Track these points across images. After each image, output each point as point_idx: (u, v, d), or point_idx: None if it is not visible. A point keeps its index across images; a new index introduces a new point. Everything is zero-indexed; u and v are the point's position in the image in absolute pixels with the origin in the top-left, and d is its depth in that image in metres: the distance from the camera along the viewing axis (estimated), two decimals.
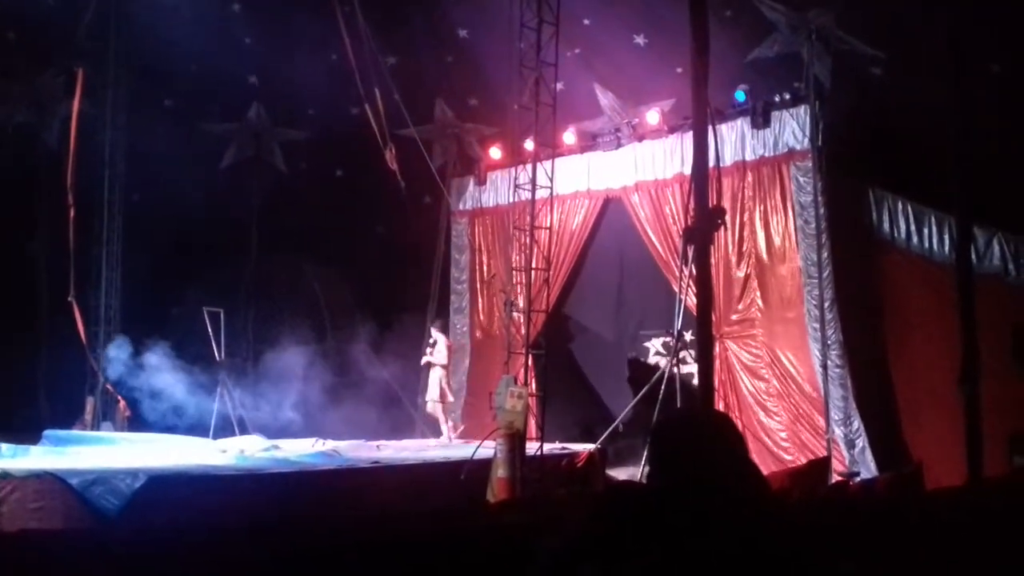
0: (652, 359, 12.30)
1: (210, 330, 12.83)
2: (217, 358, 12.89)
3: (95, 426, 12.28)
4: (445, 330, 13.28)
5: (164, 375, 12.09)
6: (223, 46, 14.06)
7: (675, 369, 11.20)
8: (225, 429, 12.44)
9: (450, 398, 12.85)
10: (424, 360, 12.71)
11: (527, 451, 9.52)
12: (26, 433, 10.59)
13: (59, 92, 13.67)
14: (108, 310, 13.46)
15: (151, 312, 13.01)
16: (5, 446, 9.38)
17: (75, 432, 11.50)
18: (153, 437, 11.32)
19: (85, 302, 12.58)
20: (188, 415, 12.29)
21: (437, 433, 12.78)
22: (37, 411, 12.67)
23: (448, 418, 12.82)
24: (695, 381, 10.75)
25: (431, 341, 12.73)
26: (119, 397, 12.26)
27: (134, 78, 13.86)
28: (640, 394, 11.84)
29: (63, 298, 11.91)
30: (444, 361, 12.67)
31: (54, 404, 12.81)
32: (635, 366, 12.77)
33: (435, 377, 12.60)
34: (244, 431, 12.35)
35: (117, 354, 12.44)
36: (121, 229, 13.78)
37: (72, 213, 11.91)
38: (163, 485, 8.02)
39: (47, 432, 10.77)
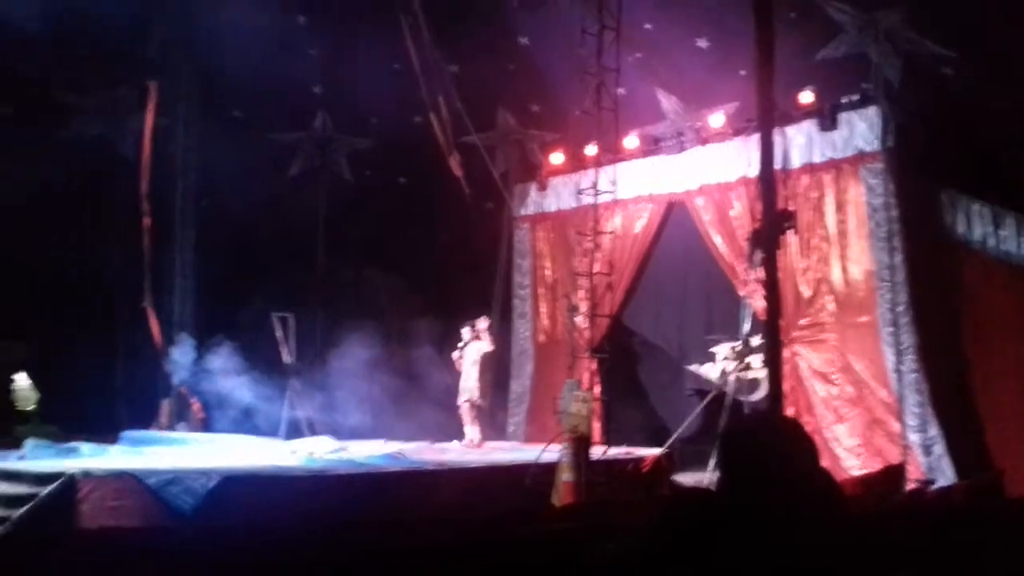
0: (719, 364, 12.15)
1: (279, 335, 13.09)
2: (286, 362, 13.13)
3: (170, 427, 12.62)
4: (489, 330, 12.90)
5: (235, 379, 12.37)
6: (289, 57, 14.40)
7: (742, 375, 11.07)
8: (295, 431, 12.67)
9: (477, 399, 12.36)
10: (456, 356, 12.46)
11: (592, 455, 9.49)
12: (105, 434, 10.94)
13: (133, 105, 14.12)
14: (181, 316, 13.84)
15: (222, 317, 13.32)
16: (85, 446, 9.70)
17: (151, 433, 11.83)
18: (225, 438, 11.58)
19: (159, 308, 12.94)
20: (259, 417, 12.56)
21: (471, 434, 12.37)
22: (115, 413, 13.08)
23: (475, 420, 12.41)
24: (756, 394, 10.67)
25: (462, 343, 12.41)
26: (193, 400, 12.58)
27: (204, 90, 14.25)
28: (704, 403, 11.70)
29: (139, 304, 12.28)
30: (475, 357, 12.30)
31: (131, 406, 13.20)
32: (698, 373, 12.66)
33: (468, 375, 12.33)
34: (313, 433, 12.56)
35: (180, 356, 12.76)
36: (193, 237, 14.16)
37: (146, 222, 12.28)
38: (236, 485, 8.20)
39: (125, 433, 11.11)
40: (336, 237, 15.63)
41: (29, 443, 9.39)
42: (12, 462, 8.89)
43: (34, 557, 6.77)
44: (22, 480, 8.09)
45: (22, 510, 7.57)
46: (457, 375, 12.41)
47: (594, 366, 11.50)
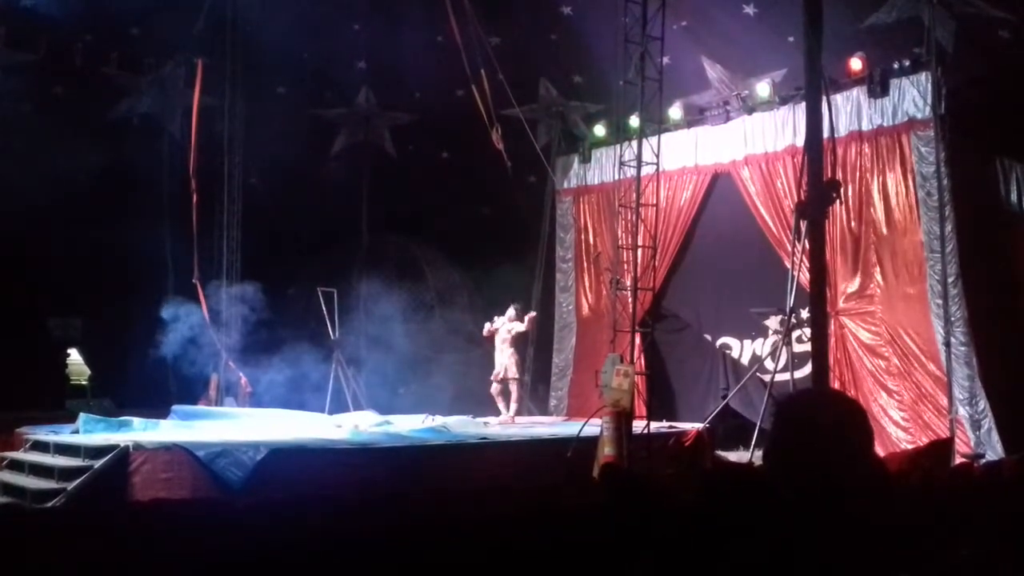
0: (770, 338, 12.03)
1: (324, 309, 13.24)
2: (331, 336, 13.29)
3: (219, 402, 12.86)
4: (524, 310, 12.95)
5: (281, 353, 12.56)
6: (333, 33, 14.43)
7: (788, 347, 10.94)
8: (340, 405, 12.83)
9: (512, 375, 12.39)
10: (485, 329, 12.47)
11: (634, 430, 9.48)
12: (156, 408, 11.20)
13: (180, 83, 14.30)
14: (228, 291, 14.05)
15: (268, 293, 13.49)
16: (137, 420, 9.95)
17: (201, 407, 12.07)
18: (272, 412, 11.77)
19: (208, 283, 13.15)
20: (305, 391, 12.74)
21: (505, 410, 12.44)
22: (166, 387, 13.36)
23: (516, 396, 12.42)
24: (804, 368, 10.50)
25: (494, 318, 12.49)
26: (241, 374, 12.80)
27: (249, 68, 14.35)
28: (742, 382, 11.59)
29: (188, 280, 12.51)
30: (505, 336, 12.32)
31: (181, 381, 13.47)
32: (731, 351, 12.58)
33: (500, 352, 12.35)
34: (358, 407, 12.72)
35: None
36: (240, 213, 14.34)
37: (195, 199, 12.44)
38: (283, 458, 8.39)
39: (175, 407, 11.35)
40: (379, 212, 15.72)
41: (82, 417, 9.64)
42: (66, 435, 9.17)
43: (89, 528, 6.97)
44: (77, 453, 8.36)
45: (77, 481, 7.83)
46: (490, 349, 12.48)
47: (636, 339, 11.45)
